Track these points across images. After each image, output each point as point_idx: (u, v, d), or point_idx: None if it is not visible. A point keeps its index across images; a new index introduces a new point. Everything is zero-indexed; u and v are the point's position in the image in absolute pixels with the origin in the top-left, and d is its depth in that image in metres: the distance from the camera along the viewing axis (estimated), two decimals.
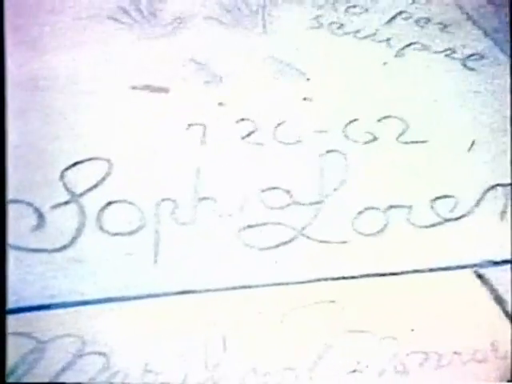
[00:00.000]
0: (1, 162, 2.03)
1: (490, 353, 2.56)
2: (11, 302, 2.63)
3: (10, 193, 2.92)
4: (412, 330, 2.60)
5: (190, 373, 2.46)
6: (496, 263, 2.79)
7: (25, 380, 2.42)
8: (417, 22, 3.70)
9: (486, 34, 3.65)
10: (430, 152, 3.16)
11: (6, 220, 2.11)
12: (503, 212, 2.95)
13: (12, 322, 2.56)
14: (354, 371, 2.51)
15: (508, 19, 3.29)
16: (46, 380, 2.43)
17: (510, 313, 2.68)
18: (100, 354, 2.50)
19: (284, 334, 2.58)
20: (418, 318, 2.65)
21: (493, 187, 3.04)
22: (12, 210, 2.86)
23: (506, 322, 2.66)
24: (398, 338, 2.59)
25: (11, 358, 2.49)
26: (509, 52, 3.53)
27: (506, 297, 2.71)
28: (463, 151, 3.17)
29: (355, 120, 3.24)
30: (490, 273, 2.76)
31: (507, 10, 3.74)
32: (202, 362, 2.48)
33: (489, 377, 2.52)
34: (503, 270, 2.78)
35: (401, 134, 3.21)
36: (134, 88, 3.30)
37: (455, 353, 2.57)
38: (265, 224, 2.88)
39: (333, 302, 2.67)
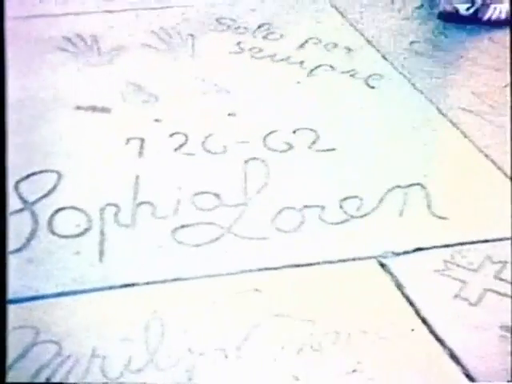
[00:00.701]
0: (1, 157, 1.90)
1: (391, 331, 2.54)
2: None
3: None
4: (326, 313, 2.64)
5: (133, 356, 2.43)
6: (396, 254, 2.79)
7: None
8: (325, 46, 3.71)
9: (384, 57, 3.66)
10: (337, 158, 3.16)
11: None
12: (402, 209, 2.95)
13: None
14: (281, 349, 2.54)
15: None
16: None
17: (408, 296, 2.70)
18: (52, 342, 2.51)
19: (215, 319, 2.55)
20: (331, 303, 2.63)
21: (393, 188, 3.06)
22: None
23: (405, 304, 2.66)
24: (314, 320, 2.61)
25: None
26: (404, 72, 3.57)
27: (405, 283, 2.73)
28: (367, 157, 3.16)
29: (273, 131, 3.24)
30: (391, 262, 2.77)
31: (402, 36, 3.76)
32: (144, 345, 2.49)
33: (390, 351, 2.52)
34: (403, 259, 2.79)
35: (313, 143, 3.20)
36: (79, 108, 3.28)
37: (362, 331, 2.57)
38: (197, 224, 2.86)
39: (257, 290, 2.65)
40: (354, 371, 2.45)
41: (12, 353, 2.43)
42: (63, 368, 2.39)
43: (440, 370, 2.49)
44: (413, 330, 2.57)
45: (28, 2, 3.89)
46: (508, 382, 2.25)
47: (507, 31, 3.81)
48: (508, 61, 3.63)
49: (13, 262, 2.72)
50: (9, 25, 3.66)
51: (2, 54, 1.95)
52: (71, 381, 2.40)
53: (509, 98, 3.47)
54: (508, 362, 2.52)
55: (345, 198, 2.98)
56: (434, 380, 2.47)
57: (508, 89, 3.52)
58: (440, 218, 2.92)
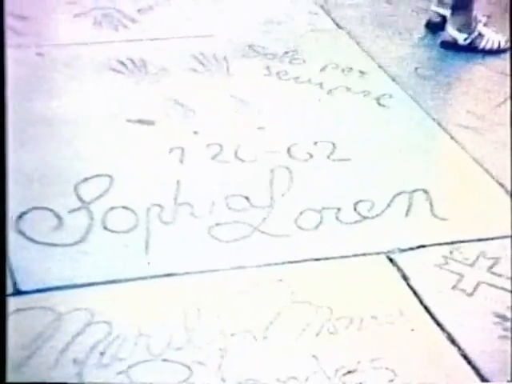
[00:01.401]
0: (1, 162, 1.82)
1: (398, 317, 2.51)
2: (35, 283, 2.57)
3: (35, 201, 2.93)
4: (341, 301, 2.61)
5: (173, 336, 2.40)
6: (402, 250, 2.75)
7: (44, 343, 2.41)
8: (342, 70, 3.68)
9: (393, 80, 3.64)
10: (352, 167, 3.12)
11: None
12: (407, 211, 2.92)
13: (36, 298, 2.53)
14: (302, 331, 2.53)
15: None
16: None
17: (412, 287, 2.67)
18: (105, 322, 2.47)
19: (243, 306, 2.53)
20: (345, 292, 2.60)
21: (400, 193, 3.02)
22: (37, 215, 2.87)
23: (410, 293, 2.63)
24: (330, 307, 2.58)
25: (37, 326, 2.50)
26: (410, 93, 3.55)
27: (410, 275, 2.68)
28: (377, 166, 3.13)
29: (296, 143, 3.21)
30: (397, 257, 2.73)
31: (408, 62, 3.75)
32: (183, 327, 2.47)
33: (397, 334, 2.48)
34: (408, 255, 2.75)
35: (331, 154, 3.17)
36: (128, 121, 3.26)
37: (372, 317, 2.54)
38: (229, 222, 2.83)
39: (281, 280, 2.62)
40: (364, 352, 2.46)
41: (70, 331, 2.46)
42: (114, 345, 2.39)
43: (439, 351, 2.47)
44: (416, 315, 2.55)
45: (85, 30, 3.91)
46: (508, 381, 2.19)
47: (499, 58, 3.81)
48: (498, 83, 3.65)
49: (71, 253, 2.72)
50: (69, 49, 3.73)
51: (2, 54, 1.80)
52: (120, 356, 2.42)
53: (500, 117, 3.47)
54: (500, 344, 2.48)
55: (358, 201, 2.95)
56: (433, 359, 2.43)
57: (499, 108, 3.52)
58: (440, 219, 2.90)
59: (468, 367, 2.41)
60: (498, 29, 3.92)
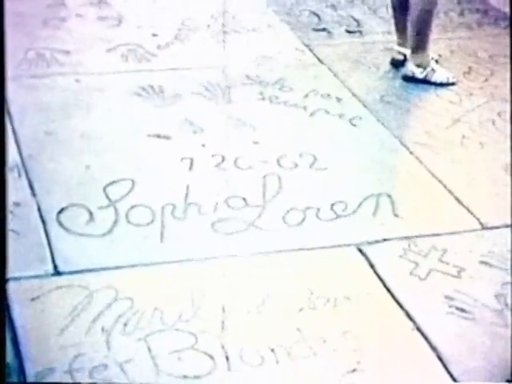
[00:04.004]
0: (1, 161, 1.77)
1: (366, 297, 2.49)
2: (71, 266, 2.55)
3: (72, 199, 2.90)
4: (319, 284, 2.58)
5: (183, 311, 2.36)
6: (370, 243, 2.72)
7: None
8: (322, 96, 3.67)
9: (363, 105, 3.62)
10: (329, 175, 3.08)
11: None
12: (374, 211, 2.87)
13: (72, 278, 2.51)
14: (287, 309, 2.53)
15: None
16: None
17: (378, 273, 2.63)
18: (128, 298, 2.46)
19: (240, 286, 2.50)
20: (323, 276, 2.57)
21: (368, 196, 2.97)
22: (74, 210, 2.86)
23: (375, 278, 2.59)
24: (311, 288, 2.53)
25: (73, 301, 2.48)
26: (377, 116, 3.55)
27: (375, 263, 2.65)
28: (350, 174, 3.09)
29: (285, 155, 3.19)
30: (366, 248, 2.69)
31: (376, 91, 3.74)
32: (190, 304, 2.40)
33: (364, 310, 2.46)
34: (374, 246, 2.71)
35: (312, 164, 3.13)
36: (148, 136, 3.25)
37: (345, 297, 2.50)
38: (229, 219, 2.81)
39: (271, 266, 2.60)
40: (337, 325, 2.42)
41: (99, 305, 2.43)
42: (135, 317, 2.36)
43: (397, 326, 2.44)
44: (380, 296, 2.53)
45: (114, 62, 3.90)
46: (508, 381, 2.16)
47: (447, 89, 3.79)
48: (448, 109, 3.62)
49: (101, 242, 2.70)
50: (100, 77, 3.72)
51: (2, 53, 1.70)
52: (140, 326, 2.41)
53: (449, 136, 3.46)
54: (447, 319, 2.45)
55: (334, 203, 2.91)
56: (392, 332, 2.41)
57: (448, 129, 3.52)
58: (400, 217, 2.87)
59: (420, 338, 2.39)
60: (446, 67, 3.95)
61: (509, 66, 3.65)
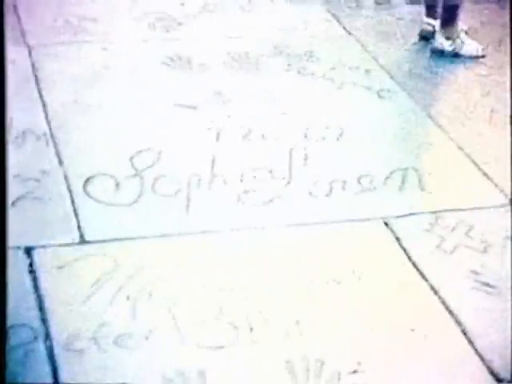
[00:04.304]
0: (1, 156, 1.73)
1: (391, 271, 2.46)
2: (97, 235, 2.55)
3: (99, 168, 2.87)
4: (347, 256, 2.58)
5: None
6: (397, 216, 2.68)
7: None
8: (349, 68, 3.64)
9: (391, 77, 3.59)
10: (356, 148, 3.06)
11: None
12: (401, 185, 2.83)
13: (98, 247, 2.49)
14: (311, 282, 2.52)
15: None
16: None
17: (403, 247, 2.62)
18: (153, 268, 2.44)
19: (260, 257, 2.50)
20: (351, 250, 2.55)
21: (395, 170, 2.93)
22: (101, 180, 2.83)
23: (401, 251, 2.56)
24: (336, 262, 2.54)
25: (98, 269, 2.46)
26: (405, 88, 3.51)
27: (402, 237, 2.62)
28: (377, 147, 3.05)
29: (312, 127, 3.15)
30: (392, 222, 2.66)
31: (405, 63, 3.70)
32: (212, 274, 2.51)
33: (388, 283, 2.44)
34: (401, 220, 2.68)
35: (340, 136, 3.10)
36: (175, 105, 3.22)
37: (371, 270, 2.48)
38: (254, 190, 2.78)
39: (295, 239, 2.57)
40: (362, 299, 2.40)
41: (124, 274, 2.41)
42: (160, 287, 2.33)
43: (423, 300, 2.42)
44: (406, 270, 2.51)
45: (142, 31, 3.86)
46: (508, 382, 2.14)
47: (476, 62, 3.73)
48: (476, 82, 3.58)
49: (126, 212, 2.68)
50: (128, 46, 3.70)
51: (2, 55, 1.65)
52: (166, 295, 2.39)
53: (477, 109, 3.43)
54: (472, 293, 2.43)
55: (361, 176, 2.88)
56: (417, 305, 2.38)
57: (476, 102, 3.49)
58: (428, 192, 2.84)
59: (445, 312, 2.36)
60: (476, 39, 3.88)
61: None
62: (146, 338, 2.22)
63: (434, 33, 3.88)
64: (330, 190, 2.84)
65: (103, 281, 2.38)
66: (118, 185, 2.77)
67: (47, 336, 2.21)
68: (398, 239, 2.64)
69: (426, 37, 3.94)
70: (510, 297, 2.47)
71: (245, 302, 2.37)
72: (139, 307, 2.29)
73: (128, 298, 2.32)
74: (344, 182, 2.88)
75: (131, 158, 2.90)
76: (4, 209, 1.67)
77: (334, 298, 2.39)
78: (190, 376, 2.12)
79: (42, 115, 3.12)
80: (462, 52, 3.81)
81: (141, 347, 2.20)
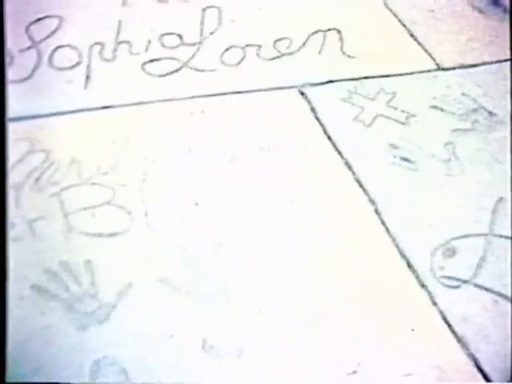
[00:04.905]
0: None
1: (303, 145, 2.29)
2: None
3: None
4: (253, 130, 2.38)
5: (101, 162, 2.17)
6: (313, 84, 2.50)
7: None
8: None
9: None
10: (274, 7, 2.69)
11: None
12: (321, 49, 2.57)
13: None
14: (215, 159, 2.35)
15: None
16: None
17: (318, 118, 2.45)
18: (43, 150, 2.26)
19: (168, 134, 2.29)
20: (260, 121, 2.34)
21: (316, 32, 2.63)
22: None
23: (316, 124, 2.38)
24: (244, 134, 2.35)
25: None
26: None
27: (317, 107, 2.44)
28: (298, 6, 2.73)
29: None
30: (308, 91, 2.46)
31: None
32: (110, 157, 2.22)
33: (299, 157, 2.29)
34: (318, 89, 2.48)
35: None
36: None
37: (280, 145, 2.29)
38: (161, 59, 2.54)
39: (203, 112, 2.38)
40: (269, 174, 2.25)
41: (12, 158, 2.27)
42: (49, 171, 2.18)
43: (335, 174, 2.24)
44: (319, 144, 2.31)
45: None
46: (508, 382, 1.99)
47: None
48: None
49: (18, 89, 2.45)
50: None
51: (2, 54, 1.57)
52: (54, 180, 2.23)
53: None
54: (388, 169, 2.29)
55: (278, 39, 2.62)
56: (329, 182, 2.22)
57: None
58: (349, 56, 2.58)
59: (359, 189, 2.22)
60: None
61: None
62: (30, 227, 2.04)
63: None
64: (243, 56, 2.58)
65: None
66: (11, 59, 2.48)
67: None
68: (313, 110, 2.42)
69: None
70: (429, 172, 2.34)
71: (141, 183, 2.20)
72: (25, 194, 2.12)
73: (13, 185, 2.16)
74: (259, 46, 2.61)
75: (27, 28, 2.61)
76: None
77: (237, 178, 2.22)
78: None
79: None
80: None
81: (24, 237, 2.02)
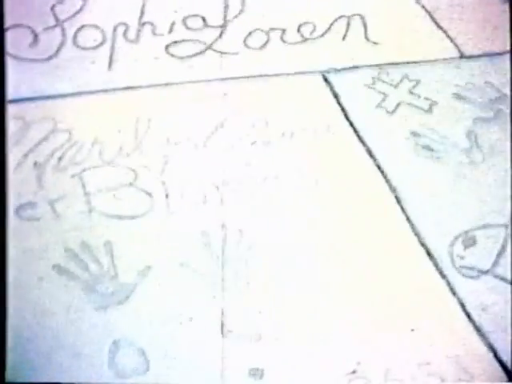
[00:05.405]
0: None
1: (325, 131, 2.26)
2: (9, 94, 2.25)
3: (15, 19, 2.59)
4: (277, 115, 2.36)
5: (124, 143, 2.17)
6: (337, 70, 2.44)
7: None
8: None
9: None
10: None
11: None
12: (345, 35, 2.55)
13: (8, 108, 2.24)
14: (239, 141, 2.33)
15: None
16: None
17: (341, 104, 2.41)
18: (65, 130, 2.26)
19: (191, 117, 2.28)
20: (283, 107, 2.32)
21: (340, 17, 2.58)
22: (14, 32, 2.52)
23: (338, 109, 2.36)
24: (267, 119, 2.34)
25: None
26: None
27: (340, 93, 2.41)
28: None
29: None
30: (332, 76, 2.43)
31: None
32: (133, 136, 2.21)
33: (322, 145, 2.27)
34: (341, 74, 2.44)
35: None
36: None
37: (302, 129, 2.28)
38: (185, 41, 2.52)
39: (225, 94, 2.36)
40: (291, 160, 2.22)
41: (35, 137, 2.29)
42: (71, 151, 2.19)
43: (358, 162, 2.21)
44: (341, 129, 2.28)
45: None
46: (507, 381, 1.98)
47: None
48: None
49: (43, 68, 2.44)
50: None
51: (2, 55, 1.59)
52: (77, 159, 2.25)
53: None
54: (413, 160, 2.31)
55: (301, 24, 2.57)
56: (351, 168, 2.19)
57: None
58: (373, 42, 2.54)
59: (380, 176, 2.19)
60: None
61: None
62: (52, 207, 2.05)
63: None
64: (267, 40, 2.55)
65: (10, 146, 2.16)
66: (35, 37, 2.48)
67: None
68: (336, 95, 2.40)
69: None
70: (451, 160, 2.32)
71: (162, 165, 2.20)
72: (47, 174, 2.12)
73: (36, 164, 2.16)
74: (283, 30, 2.58)
75: (53, 7, 2.60)
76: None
77: (260, 160, 2.20)
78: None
79: None
80: None
81: (45, 216, 2.06)
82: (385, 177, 2.22)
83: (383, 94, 2.42)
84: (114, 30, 2.55)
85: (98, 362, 1.83)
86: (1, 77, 1.58)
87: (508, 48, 2.56)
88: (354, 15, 2.65)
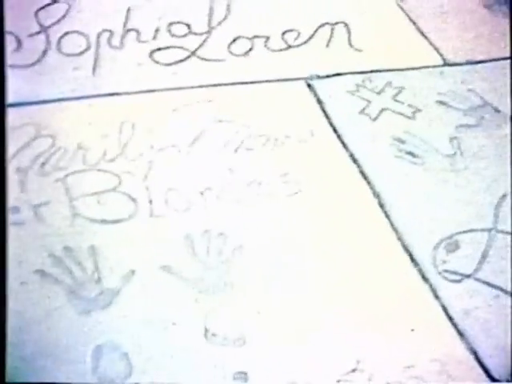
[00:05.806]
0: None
1: (309, 137, 2.27)
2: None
3: None
4: (260, 121, 2.37)
5: (107, 149, 2.17)
6: (320, 77, 2.47)
7: None
8: None
9: None
10: None
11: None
12: (328, 42, 2.58)
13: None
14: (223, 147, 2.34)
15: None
16: None
17: (325, 111, 2.44)
18: (49, 136, 2.28)
19: (173, 123, 2.29)
20: (266, 113, 2.33)
21: (324, 24, 2.62)
22: None
23: (322, 115, 2.37)
24: (249, 125, 2.33)
25: None
26: None
27: (324, 99, 2.43)
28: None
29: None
30: (315, 83, 2.45)
31: None
32: (117, 141, 2.21)
33: (306, 152, 2.28)
34: (325, 81, 2.46)
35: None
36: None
37: (286, 136, 2.28)
38: (169, 47, 2.55)
39: (210, 101, 2.37)
40: (276, 167, 2.22)
41: (17, 143, 2.28)
42: (54, 157, 2.18)
43: (341, 168, 2.23)
44: (325, 136, 2.30)
45: None
46: (508, 381, 1.99)
47: None
48: None
49: (26, 74, 2.43)
50: None
51: (2, 56, 1.56)
52: (60, 165, 2.22)
53: None
54: (395, 162, 2.34)
55: (285, 31, 2.59)
56: (334, 175, 2.21)
57: None
58: (357, 50, 2.57)
59: (363, 182, 2.21)
60: None
61: None
62: (35, 213, 2.04)
63: None
64: (251, 47, 2.56)
65: None
66: (19, 43, 2.47)
67: None
68: (319, 102, 2.41)
69: None
70: (433, 166, 2.34)
71: (146, 171, 2.18)
72: (30, 179, 2.10)
73: (18, 169, 2.13)
74: (267, 37, 2.59)
75: (37, 13, 2.59)
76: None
77: (243, 168, 2.19)
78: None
79: None
80: None
81: (29, 222, 2.02)
82: (368, 182, 2.23)
83: (367, 100, 2.44)
84: (99, 36, 2.56)
85: (81, 367, 1.83)
86: (1, 80, 1.58)
87: (491, 56, 2.61)
88: (338, 22, 2.66)
